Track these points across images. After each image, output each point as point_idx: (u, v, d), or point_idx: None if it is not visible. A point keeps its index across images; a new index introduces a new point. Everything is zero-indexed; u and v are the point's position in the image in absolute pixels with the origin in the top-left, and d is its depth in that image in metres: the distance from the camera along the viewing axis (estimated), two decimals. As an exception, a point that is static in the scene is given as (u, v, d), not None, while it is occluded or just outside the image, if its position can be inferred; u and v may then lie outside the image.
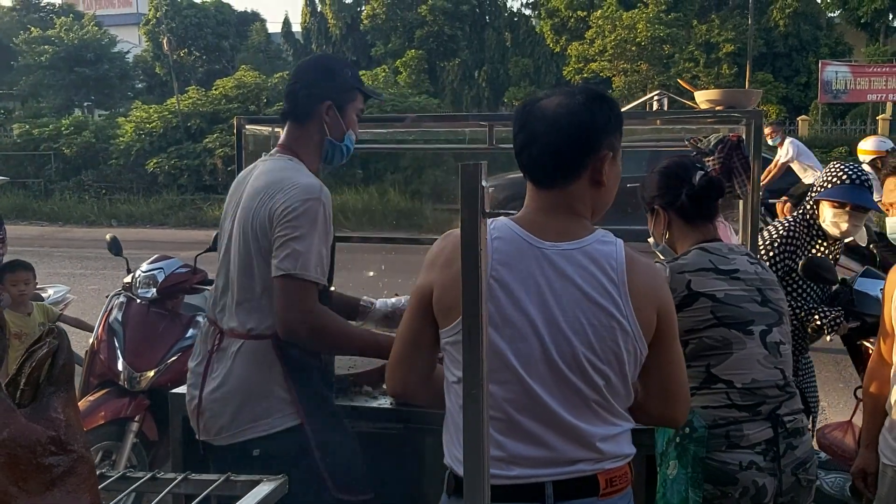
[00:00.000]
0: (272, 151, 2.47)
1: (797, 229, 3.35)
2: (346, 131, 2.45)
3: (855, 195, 3.20)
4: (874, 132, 21.48)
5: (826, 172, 3.34)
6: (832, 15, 28.05)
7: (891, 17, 26.49)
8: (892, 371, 2.51)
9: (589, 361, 1.69)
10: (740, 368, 2.23)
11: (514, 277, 1.70)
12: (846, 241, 3.51)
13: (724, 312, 2.25)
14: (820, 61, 23.58)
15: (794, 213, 3.43)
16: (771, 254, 3.29)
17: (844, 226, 3.25)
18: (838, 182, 3.26)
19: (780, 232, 3.35)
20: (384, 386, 3.00)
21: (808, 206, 3.36)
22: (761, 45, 25.92)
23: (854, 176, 3.24)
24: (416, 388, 1.89)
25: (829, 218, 3.28)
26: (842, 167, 3.31)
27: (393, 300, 3.08)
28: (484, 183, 0.97)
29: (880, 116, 22.16)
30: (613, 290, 1.70)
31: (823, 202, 3.29)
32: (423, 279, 1.81)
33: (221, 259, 2.44)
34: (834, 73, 22.77)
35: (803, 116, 23.06)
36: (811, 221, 3.35)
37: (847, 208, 3.22)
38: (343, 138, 2.46)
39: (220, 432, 2.31)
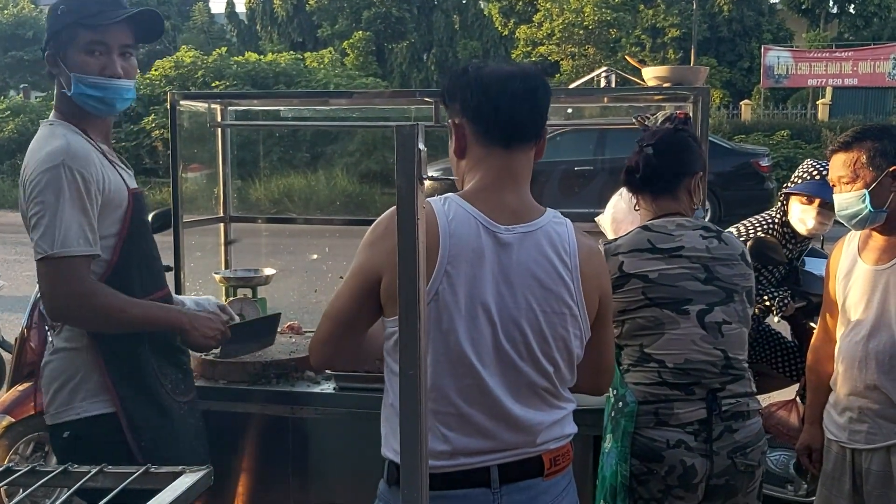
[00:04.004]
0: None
1: (774, 228, 3.32)
2: (70, 77, 2.14)
3: (822, 190, 3.07)
4: (815, 116, 21.95)
5: (799, 168, 3.30)
6: (774, 1, 28.52)
7: (831, 3, 27.02)
8: (836, 347, 2.51)
9: (540, 349, 1.67)
10: (673, 348, 2.20)
11: (472, 267, 1.64)
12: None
13: (657, 293, 2.21)
14: (762, 46, 23.97)
15: (772, 211, 3.38)
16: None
17: (811, 222, 3.19)
18: (808, 178, 3.21)
19: (757, 231, 3.32)
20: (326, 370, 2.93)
21: (780, 203, 3.32)
22: (705, 29, 26.25)
23: (825, 172, 3.09)
24: (343, 364, 1.88)
25: (797, 214, 3.23)
26: (814, 164, 3.26)
27: (201, 298, 2.77)
28: (421, 146, 0.89)
29: (820, 101, 22.62)
30: (567, 274, 1.69)
31: (793, 198, 3.25)
32: (368, 260, 1.69)
33: None
34: (776, 58, 23.17)
35: (746, 101, 23.41)
36: (784, 219, 3.31)
37: (815, 204, 3.17)
38: (71, 86, 2.14)
39: (45, 411, 2.27)
